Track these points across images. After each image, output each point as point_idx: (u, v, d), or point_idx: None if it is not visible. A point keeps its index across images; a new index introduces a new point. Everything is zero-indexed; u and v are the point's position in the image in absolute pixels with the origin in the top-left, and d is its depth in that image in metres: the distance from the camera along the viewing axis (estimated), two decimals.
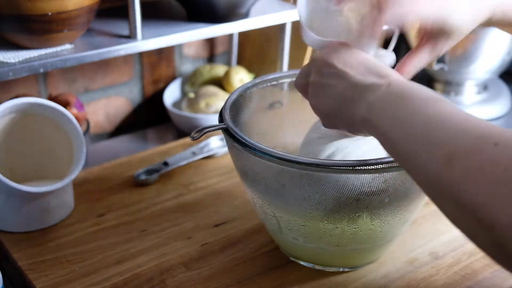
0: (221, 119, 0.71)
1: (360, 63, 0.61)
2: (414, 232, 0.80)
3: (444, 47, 0.71)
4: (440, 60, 1.16)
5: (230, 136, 0.67)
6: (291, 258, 0.75)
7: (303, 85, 0.66)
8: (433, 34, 0.70)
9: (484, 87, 1.24)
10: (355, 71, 0.60)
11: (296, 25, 1.10)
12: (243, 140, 0.66)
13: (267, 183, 0.68)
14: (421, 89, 0.56)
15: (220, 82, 1.16)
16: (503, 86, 1.26)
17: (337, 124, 0.63)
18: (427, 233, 0.79)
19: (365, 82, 0.59)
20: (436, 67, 1.17)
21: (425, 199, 0.70)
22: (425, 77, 1.25)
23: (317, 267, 0.73)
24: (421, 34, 0.71)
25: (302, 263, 0.74)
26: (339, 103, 0.61)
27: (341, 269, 0.73)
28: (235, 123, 0.71)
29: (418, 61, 0.71)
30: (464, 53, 1.14)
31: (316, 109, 0.65)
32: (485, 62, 1.15)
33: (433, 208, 0.85)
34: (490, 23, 0.72)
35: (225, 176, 0.91)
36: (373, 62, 0.61)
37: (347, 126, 0.62)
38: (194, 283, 0.71)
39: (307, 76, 0.65)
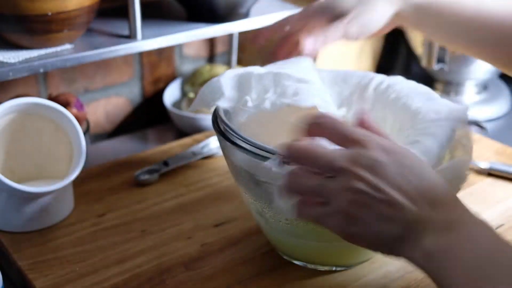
0: (215, 116, 0.71)
1: (410, 184, 0.51)
2: None
3: (347, 27, 0.74)
4: (440, 60, 1.16)
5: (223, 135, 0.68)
6: (284, 257, 0.75)
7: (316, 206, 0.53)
8: (329, 15, 0.75)
9: (484, 87, 1.24)
10: (406, 197, 0.50)
11: None
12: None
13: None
14: (487, 233, 0.50)
15: None
16: (503, 86, 1.26)
17: (374, 249, 0.55)
18: None
19: (420, 218, 0.50)
20: (436, 67, 1.17)
21: None
22: (425, 77, 1.25)
23: (309, 265, 0.73)
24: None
25: (294, 262, 0.74)
26: (386, 238, 0.52)
27: (334, 268, 0.73)
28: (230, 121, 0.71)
29: (324, 38, 0.75)
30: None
31: (345, 238, 0.54)
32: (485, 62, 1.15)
33: None
34: (405, 13, 0.74)
35: (225, 176, 0.91)
36: (422, 179, 0.52)
37: (387, 254, 0.54)
38: (194, 283, 0.71)
39: (326, 194, 0.52)
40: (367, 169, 0.50)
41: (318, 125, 0.54)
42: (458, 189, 0.62)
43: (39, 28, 0.81)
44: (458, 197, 0.53)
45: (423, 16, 0.75)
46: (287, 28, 0.79)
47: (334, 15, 0.75)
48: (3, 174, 0.76)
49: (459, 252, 0.49)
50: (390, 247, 0.52)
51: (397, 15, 0.77)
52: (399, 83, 0.77)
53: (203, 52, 1.23)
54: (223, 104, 0.69)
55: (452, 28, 0.75)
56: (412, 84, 0.77)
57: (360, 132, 0.53)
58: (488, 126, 1.17)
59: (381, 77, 0.79)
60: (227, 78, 0.72)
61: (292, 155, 0.54)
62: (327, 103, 0.70)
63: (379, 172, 0.50)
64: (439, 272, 0.50)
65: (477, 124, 0.68)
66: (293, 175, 0.54)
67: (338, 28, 0.74)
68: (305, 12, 0.78)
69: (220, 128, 0.69)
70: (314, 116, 0.55)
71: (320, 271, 0.73)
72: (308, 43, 0.73)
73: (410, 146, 0.63)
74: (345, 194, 0.51)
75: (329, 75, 0.80)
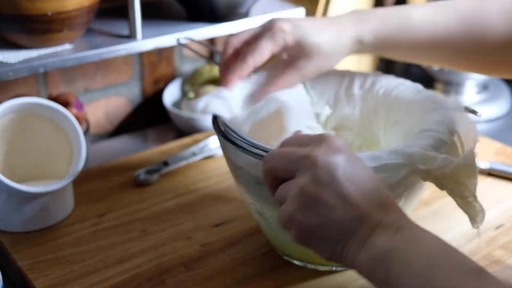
0: (215, 117, 0.71)
1: (364, 184, 0.53)
2: None
3: (308, 67, 0.74)
4: None
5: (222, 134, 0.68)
6: (284, 257, 0.75)
7: (284, 178, 0.56)
8: (293, 55, 0.73)
9: (484, 87, 1.24)
10: (360, 197, 0.52)
11: None
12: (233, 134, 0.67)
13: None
14: (429, 241, 0.51)
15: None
16: (503, 86, 1.26)
17: (315, 245, 0.55)
18: None
19: (372, 218, 0.52)
20: (436, 67, 1.17)
21: (418, 198, 0.70)
22: (425, 77, 1.25)
23: (309, 266, 0.73)
24: (284, 56, 0.74)
25: (294, 262, 0.74)
26: (333, 231, 0.53)
27: (334, 268, 0.73)
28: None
29: (283, 82, 0.74)
30: None
31: (296, 221, 0.54)
32: None
33: (433, 208, 0.86)
34: (365, 47, 0.75)
35: (225, 176, 0.91)
36: (375, 183, 0.54)
37: (329, 254, 0.54)
38: (194, 283, 0.71)
39: (293, 169, 0.55)
40: (323, 167, 0.53)
41: (270, 168, 0.57)
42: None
43: (39, 28, 0.81)
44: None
45: (379, 51, 0.78)
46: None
47: (294, 58, 0.74)
48: (3, 174, 0.76)
49: (409, 252, 0.50)
50: (340, 242, 0.53)
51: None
52: (383, 78, 0.79)
53: (203, 52, 1.23)
54: (226, 114, 0.70)
55: (410, 53, 0.78)
56: (396, 79, 0.78)
57: (305, 147, 0.55)
58: (488, 126, 1.17)
59: (361, 74, 0.80)
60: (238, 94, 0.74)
61: (267, 171, 0.57)
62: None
63: (333, 169, 0.53)
64: (388, 273, 0.50)
65: (470, 110, 0.69)
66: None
67: (295, 78, 0.75)
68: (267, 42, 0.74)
69: (221, 128, 0.69)
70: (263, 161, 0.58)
71: (320, 271, 0.73)
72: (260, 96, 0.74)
73: (422, 136, 0.65)
74: (308, 178, 0.53)
75: None
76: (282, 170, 0.56)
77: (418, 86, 0.76)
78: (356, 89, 0.79)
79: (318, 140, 0.55)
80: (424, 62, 0.83)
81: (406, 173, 0.61)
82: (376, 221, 0.52)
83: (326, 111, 0.80)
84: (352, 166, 0.54)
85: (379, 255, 0.51)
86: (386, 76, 0.79)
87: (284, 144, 0.58)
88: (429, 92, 0.75)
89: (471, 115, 0.69)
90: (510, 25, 0.73)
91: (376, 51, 0.77)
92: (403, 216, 0.53)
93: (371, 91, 0.78)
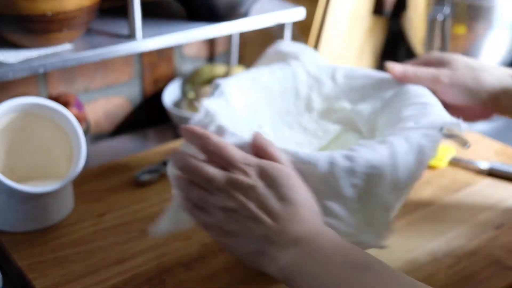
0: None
1: (275, 200, 0.58)
2: (414, 232, 0.80)
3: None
4: None
5: None
6: None
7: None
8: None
9: None
10: (268, 214, 0.58)
11: (296, 25, 1.09)
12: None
13: None
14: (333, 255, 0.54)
15: None
16: None
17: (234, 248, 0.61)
18: (427, 233, 0.79)
19: (275, 231, 0.57)
20: None
21: (408, 191, 0.70)
22: None
23: None
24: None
25: None
26: (249, 253, 0.59)
27: None
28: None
29: (414, 70, 0.78)
30: (464, 53, 1.14)
31: (223, 248, 0.64)
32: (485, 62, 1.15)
33: (433, 208, 0.86)
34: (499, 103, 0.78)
35: None
36: (290, 196, 0.58)
37: (259, 268, 0.60)
38: (194, 283, 0.71)
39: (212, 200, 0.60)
40: (240, 191, 0.58)
41: (206, 147, 0.62)
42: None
43: (39, 28, 0.81)
44: (318, 212, 0.59)
45: None
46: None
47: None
48: (3, 174, 0.76)
49: (306, 265, 0.53)
50: (257, 261, 0.59)
51: (498, 101, 0.78)
52: (411, 88, 0.77)
53: (203, 52, 1.23)
54: None
55: None
56: (421, 90, 0.76)
57: (242, 159, 0.60)
58: (488, 126, 1.17)
59: (393, 81, 0.80)
60: None
61: (178, 165, 0.62)
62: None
63: (249, 193, 0.58)
64: (294, 284, 0.54)
65: (457, 137, 0.68)
66: (179, 183, 0.62)
67: (431, 69, 0.77)
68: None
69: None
70: (203, 135, 0.63)
71: None
72: (397, 67, 0.78)
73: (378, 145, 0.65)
74: (219, 210, 0.59)
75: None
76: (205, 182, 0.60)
77: (426, 105, 0.73)
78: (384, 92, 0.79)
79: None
80: None
81: None
82: (279, 234, 0.56)
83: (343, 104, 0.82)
84: (264, 189, 0.58)
85: (283, 271, 0.56)
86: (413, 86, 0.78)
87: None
88: (427, 110, 0.72)
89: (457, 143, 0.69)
90: None
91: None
92: (311, 224, 0.57)
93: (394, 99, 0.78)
